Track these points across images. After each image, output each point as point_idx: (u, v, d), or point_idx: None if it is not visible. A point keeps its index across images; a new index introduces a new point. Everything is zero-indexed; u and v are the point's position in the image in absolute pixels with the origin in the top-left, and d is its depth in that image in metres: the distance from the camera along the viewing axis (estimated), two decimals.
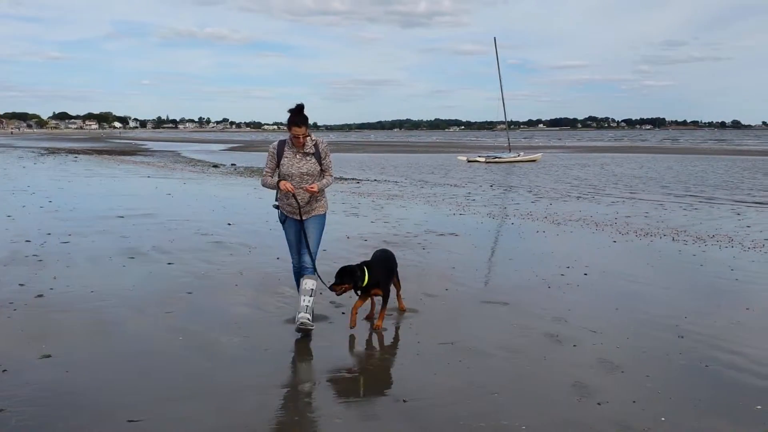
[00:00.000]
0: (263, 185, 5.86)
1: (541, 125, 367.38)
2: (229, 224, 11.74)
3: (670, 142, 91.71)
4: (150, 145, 74.11)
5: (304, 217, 5.77)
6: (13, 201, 14.89)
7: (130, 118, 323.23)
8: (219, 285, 7.27)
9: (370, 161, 41.74)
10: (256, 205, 15.17)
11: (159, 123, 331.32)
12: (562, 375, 4.69)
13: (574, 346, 5.36)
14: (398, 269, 6.42)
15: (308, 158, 5.71)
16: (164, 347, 5.19)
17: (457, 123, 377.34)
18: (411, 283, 7.38)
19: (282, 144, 5.78)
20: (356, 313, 5.68)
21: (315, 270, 5.69)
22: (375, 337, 5.65)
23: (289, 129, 5.60)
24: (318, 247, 5.92)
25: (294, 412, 4.07)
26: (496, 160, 41.20)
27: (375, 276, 5.70)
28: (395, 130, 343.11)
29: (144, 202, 15.15)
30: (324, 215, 5.98)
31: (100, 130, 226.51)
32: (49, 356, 4.84)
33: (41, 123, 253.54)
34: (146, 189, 19.37)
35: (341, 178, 25.48)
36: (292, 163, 5.69)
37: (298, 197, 5.68)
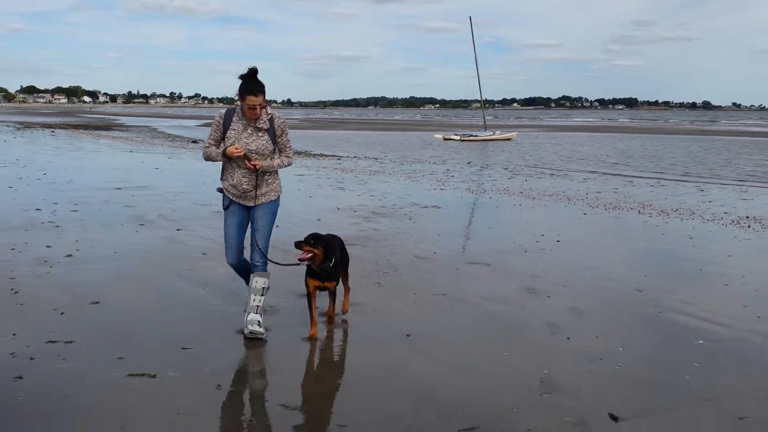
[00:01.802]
0: (204, 157, 5.02)
1: (515, 104, 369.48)
2: None
3: (656, 123, 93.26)
4: (123, 120, 73.56)
5: (251, 203, 5.00)
6: (9, 173, 15.30)
7: (99, 92, 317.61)
8: None
9: (348, 138, 42.31)
10: None
11: (130, 98, 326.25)
12: (538, 318, 5.54)
13: (548, 297, 6.21)
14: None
15: (260, 134, 4.90)
16: (195, 295, 5.93)
17: (432, 101, 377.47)
18: (403, 248, 8.19)
19: (230, 113, 4.96)
20: (314, 309, 5.02)
21: (266, 265, 5.02)
22: (378, 286, 6.41)
23: (242, 98, 4.77)
24: (269, 240, 5.11)
25: (306, 341, 4.85)
26: (471, 138, 42.03)
27: (336, 264, 4.99)
28: (370, 107, 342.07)
29: (136, 176, 15.67)
30: (276, 201, 5.13)
31: (70, 105, 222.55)
32: (97, 302, 5.54)
33: (9, 97, 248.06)
34: (133, 163, 19.84)
35: (321, 155, 26.10)
36: (240, 137, 4.87)
37: (244, 180, 4.91)
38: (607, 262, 7.77)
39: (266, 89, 4.86)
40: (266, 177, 5.01)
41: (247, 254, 5.25)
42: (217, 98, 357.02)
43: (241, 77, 4.77)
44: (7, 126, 46.69)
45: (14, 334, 4.72)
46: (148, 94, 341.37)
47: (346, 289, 5.54)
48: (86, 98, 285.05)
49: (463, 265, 7.57)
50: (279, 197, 5.19)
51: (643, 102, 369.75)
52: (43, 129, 43.37)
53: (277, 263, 5.13)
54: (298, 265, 4.96)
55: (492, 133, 44.38)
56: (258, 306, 4.93)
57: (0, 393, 3.81)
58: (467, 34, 46.85)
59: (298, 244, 4.82)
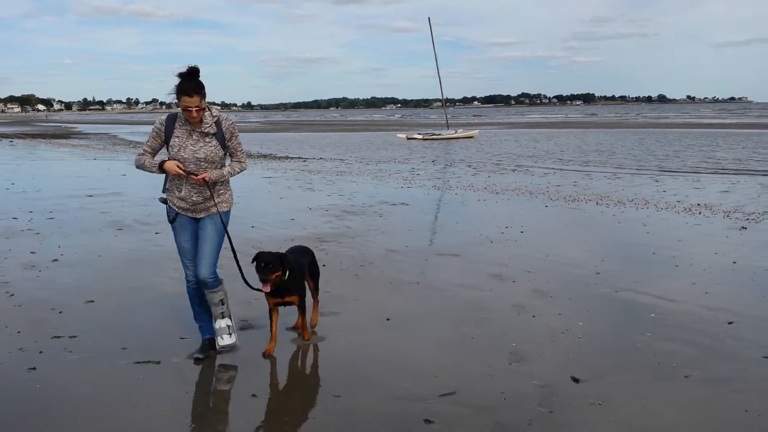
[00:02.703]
0: (137, 166, 4.51)
1: (476, 102, 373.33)
2: None
3: (612, 118, 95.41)
4: (81, 127, 72.33)
5: (200, 216, 4.57)
6: None
7: (54, 100, 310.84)
8: None
9: (311, 140, 42.52)
10: None
11: (85, 105, 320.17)
12: (505, 300, 6.03)
13: (514, 281, 6.71)
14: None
15: (208, 140, 4.45)
16: (184, 291, 6.24)
17: (393, 101, 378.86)
18: (376, 243, 8.61)
19: (172, 119, 4.49)
20: (276, 326, 4.74)
21: (217, 280, 4.63)
22: (355, 278, 6.81)
23: (178, 100, 4.32)
24: (217, 255, 4.62)
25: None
26: (434, 137, 42.64)
27: (292, 278, 4.65)
28: (332, 108, 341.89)
29: (105, 183, 15.78)
30: (226, 214, 4.67)
31: (24, 114, 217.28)
32: (92, 301, 5.84)
33: None
34: (99, 171, 19.85)
35: (287, 157, 26.35)
36: (185, 145, 4.42)
37: (194, 192, 4.48)
38: (567, 250, 8.30)
39: (205, 90, 4.37)
40: (218, 187, 4.58)
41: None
42: (176, 103, 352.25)
43: (179, 75, 4.32)
44: None
45: (19, 332, 5.02)
46: (104, 101, 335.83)
47: (315, 302, 5.25)
48: (40, 106, 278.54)
49: (433, 256, 8.03)
50: (230, 209, 4.73)
51: (600, 97, 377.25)
52: (1, 139, 42.60)
53: (250, 286, 4.66)
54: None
55: (454, 132, 45.03)
56: (223, 311, 4.65)
57: (17, 383, 4.13)
58: (428, 33, 47.48)
59: (265, 279, 4.41)
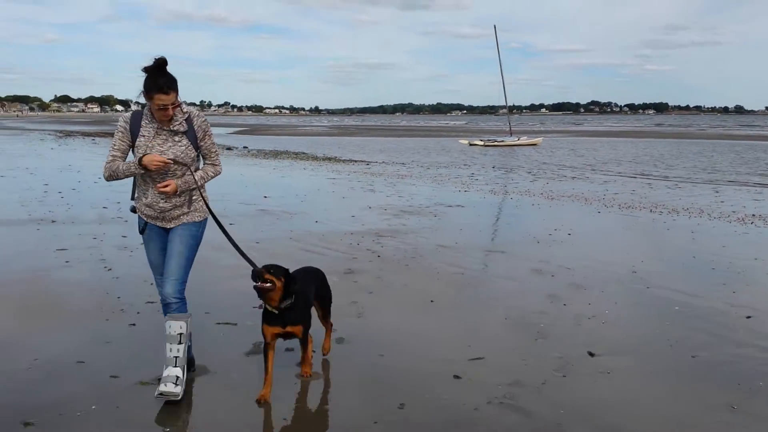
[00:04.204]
0: (106, 176, 4.04)
1: (543, 109, 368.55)
2: (266, 197, 13.61)
3: (684, 128, 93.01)
4: None
5: (170, 225, 4.11)
6: (68, 177, 16.75)
7: (131, 101, 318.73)
8: (277, 238, 9.17)
9: (375, 145, 43.51)
10: (280, 183, 17.15)
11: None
12: (542, 291, 6.60)
13: (552, 276, 7.26)
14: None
15: (177, 138, 4.01)
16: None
17: (459, 107, 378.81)
18: (428, 239, 9.28)
19: (137, 117, 4.02)
20: (272, 367, 4.04)
21: (183, 304, 4.07)
22: (406, 267, 7.48)
23: (149, 98, 3.87)
24: (187, 272, 4.13)
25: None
26: (496, 143, 42.92)
27: (295, 305, 4.02)
28: (397, 114, 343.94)
29: None
30: (200, 224, 4.19)
31: (103, 113, 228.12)
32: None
33: (43, 106, 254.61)
34: None
35: (350, 160, 27.28)
36: (152, 144, 3.97)
37: (160, 198, 4.02)
38: (610, 251, 8.76)
39: (177, 84, 3.90)
40: (192, 194, 4.11)
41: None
42: (246, 106, 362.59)
43: (146, 70, 3.86)
44: (49, 134, 48.87)
45: (119, 297, 5.96)
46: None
47: (328, 327, 4.68)
48: (118, 107, 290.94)
49: (480, 252, 8.64)
50: (205, 221, 4.23)
51: (674, 107, 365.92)
52: (84, 137, 45.37)
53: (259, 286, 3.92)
54: (260, 308, 4.05)
55: (517, 139, 45.20)
56: (176, 357, 3.97)
57: (122, 334, 5.01)
58: (495, 40, 47.82)
59: (257, 273, 3.85)
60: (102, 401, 3.91)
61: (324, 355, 4.66)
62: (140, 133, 3.98)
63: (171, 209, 4.06)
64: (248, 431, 3.67)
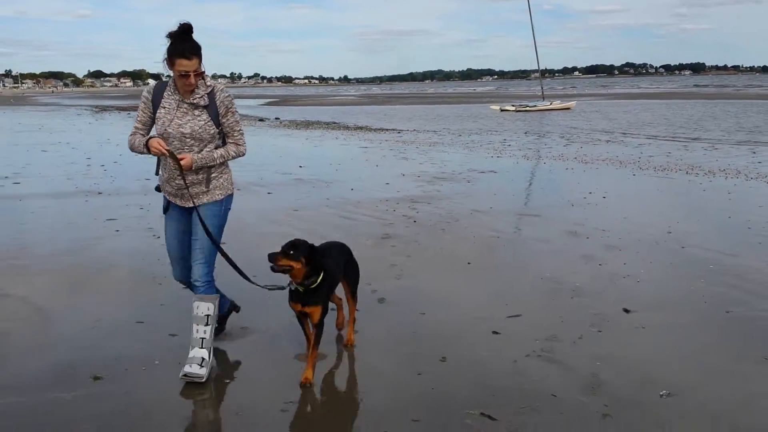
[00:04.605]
0: (129, 147, 3.96)
1: (576, 72, 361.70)
2: (301, 166, 13.84)
3: (721, 89, 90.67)
4: None
5: (189, 204, 3.99)
6: (110, 150, 17.18)
7: (162, 75, 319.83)
8: (314, 206, 9.40)
9: (405, 113, 43.38)
10: (313, 153, 17.40)
11: None
12: (577, 252, 6.72)
13: (587, 238, 7.36)
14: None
15: (197, 113, 3.85)
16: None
17: (490, 72, 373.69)
18: (462, 204, 9.42)
19: (161, 87, 3.92)
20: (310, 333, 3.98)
21: (211, 285, 4.05)
22: (442, 231, 7.63)
23: (171, 64, 3.73)
24: (214, 253, 4.05)
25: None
26: (527, 108, 42.43)
27: (321, 285, 3.86)
28: (427, 81, 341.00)
29: None
30: (221, 203, 4.06)
31: (136, 87, 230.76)
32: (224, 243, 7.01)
33: (77, 82, 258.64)
34: None
35: (382, 129, 27.34)
36: (171, 117, 3.84)
37: (177, 174, 3.88)
38: (645, 213, 8.80)
39: (201, 52, 3.77)
40: (211, 172, 3.95)
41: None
42: (276, 77, 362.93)
43: (170, 35, 3.73)
44: (85, 110, 49.80)
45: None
46: (210, 75, 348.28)
47: (352, 310, 4.42)
48: (151, 81, 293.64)
49: (515, 216, 8.76)
50: (229, 197, 4.10)
51: (711, 66, 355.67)
52: (119, 112, 46.13)
53: (257, 285, 4.01)
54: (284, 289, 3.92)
55: (549, 103, 44.59)
56: (203, 339, 3.96)
57: (175, 296, 5.29)
58: (526, 2, 46.93)
59: (272, 257, 3.73)
60: (163, 357, 4.20)
61: (349, 346, 4.37)
62: (161, 104, 3.87)
63: (187, 187, 3.89)
64: (293, 387, 3.87)
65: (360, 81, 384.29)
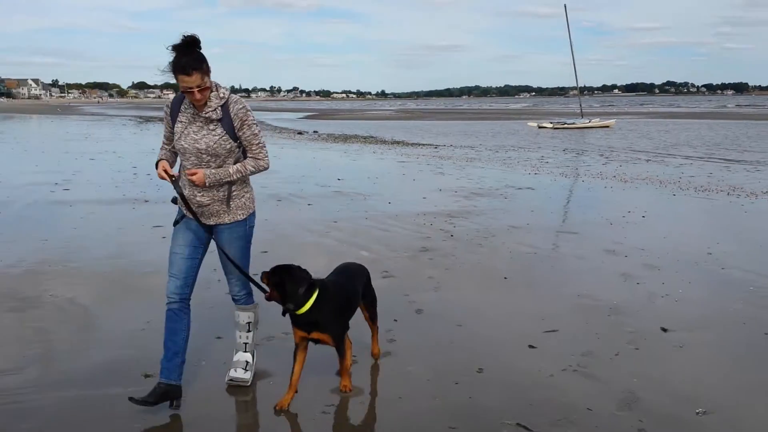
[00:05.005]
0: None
1: (616, 90, 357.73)
2: (339, 179, 14.06)
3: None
4: None
5: (210, 222, 3.81)
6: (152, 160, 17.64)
7: None
8: (353, 218, 9.57)
9: (441, 128, 43.47)
10: (351, 166, 17.62)
11: (233, 92, 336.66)
12: (616, 270, 6.74)
13: (626, 256, 7.36)
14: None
15: (212, 127, 3.67)
16: (336, 238, 7.51)
17: (527, 89, 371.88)
18: (499, 220, 9.49)
19: (178, 101, 3.77)
20: (299, 372, 3.80)
21: (250, 296, 4.07)
22: (479, 246, 7.71)
23: (175, 78, 3.57)
24: (247, 267, 3.95)
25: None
26: (566, 126, 42.14)
27: (320, 307, 3.69)
28: (464, 97, 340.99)
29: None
30: (244, 222, 3.86)
31: None
32: (266, 251, 7.20)
33: (122, 93, 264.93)
34: None
35: (419, 144, 27.49)
36: (188, 132, 3.69)
37: (197, 191, 3.71)
38: (685, 233, 8.75)
39: (207, 64, 3.59)
40: (232, 189, 3.76)
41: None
42: (314, 91, 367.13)
43: (173, 48, 3.55)
44: (130, 120, 51.13)
45: (214, 269, 6.42)
46: (250, 89, 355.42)
47: (374, 330, 4.39)
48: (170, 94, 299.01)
49: (552, 233, 8.80)
50: (251, 216, 3.92)
51: (755, 86, 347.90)
52: (162, 122, 47.12)
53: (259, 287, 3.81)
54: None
55: (588, 121, 44.22)
56: (246, 343, 4.07)
57: (222, 300, 5.48)
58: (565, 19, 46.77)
59: (262, 281, 3.73)
60: (210, 358, 4.38)
61: (375, 358, 4.42)
62: (179, 119, 3.71)
63: (209, 204, 3.73)
64: (333, 392, 4.00)
65: (397, 96, 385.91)
